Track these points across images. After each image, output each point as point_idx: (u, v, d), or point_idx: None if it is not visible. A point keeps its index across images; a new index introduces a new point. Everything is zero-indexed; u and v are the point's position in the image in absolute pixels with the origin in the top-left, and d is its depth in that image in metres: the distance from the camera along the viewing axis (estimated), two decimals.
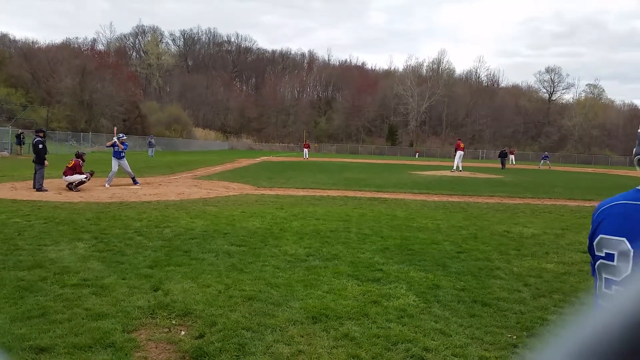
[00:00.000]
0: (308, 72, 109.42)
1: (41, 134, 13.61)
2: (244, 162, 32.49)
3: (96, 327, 3.78)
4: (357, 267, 5.81)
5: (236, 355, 3.45)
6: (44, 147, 13.17)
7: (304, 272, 5.53)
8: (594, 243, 1.53)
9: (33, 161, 13.17)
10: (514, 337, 3.92)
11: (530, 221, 9.94)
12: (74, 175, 12.78)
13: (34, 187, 12.56)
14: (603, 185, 22.24)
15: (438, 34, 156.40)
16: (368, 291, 4.91)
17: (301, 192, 13.97)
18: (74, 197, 11.39)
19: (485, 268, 5.97)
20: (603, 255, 1.49)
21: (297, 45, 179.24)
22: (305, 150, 47.40)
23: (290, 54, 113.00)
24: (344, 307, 4.40)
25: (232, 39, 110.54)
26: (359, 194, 13.92)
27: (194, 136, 76.80)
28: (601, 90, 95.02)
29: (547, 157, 46.79)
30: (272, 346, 3.58)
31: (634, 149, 1.53)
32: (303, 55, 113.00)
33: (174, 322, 3.97)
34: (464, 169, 27.56)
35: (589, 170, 46.24)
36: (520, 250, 7.07)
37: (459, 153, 26.87)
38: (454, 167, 26.27)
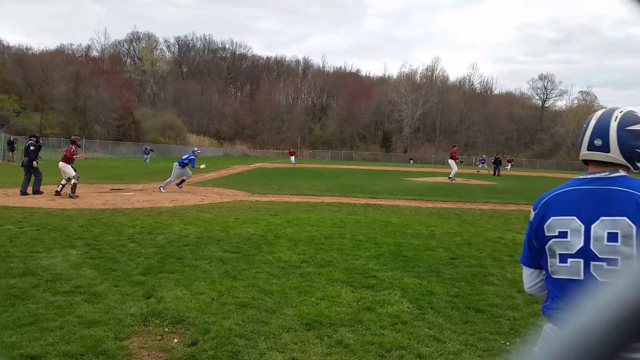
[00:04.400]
0: (303, 78, 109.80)
1: (34, 139, 13.84)
2: (239, 169, 32.46)
3: (88, 334, 3.75)
4: (351, 273, 5.80)
5: None
6: (35, 149, 13.37)
7: (298, 278, 5.52)
8: (545, 226, 1.78)
9: (22, 165, 13.36)
10: (508, 343, 3.93)
11: (524, 227, 9.95)
12: (66, 167, 12.78)
13: (32, 191, 12.78)
14: None
15: (433, 41, 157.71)
16: (362, 298, 4.91)
17: (295, 199, 13.96)
18: (66, 203, 11.32)
19: (479, 274, 5.98)
20: (556, 234, 1.75)
21: (292, 51, 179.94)
22: (292, 157, 46.36)
23: (285, 60, 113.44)
24: (337, 314, 4.39)
25: (227, 46, 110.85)
26: (353, 201, 13.93)
27: (188, 142, 76.63)
28: (594, 97, 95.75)
29: (484, 160, 46.48)
30: (265, 354, 3.56)
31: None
32: (298, 62, 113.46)
33: (166, 330, 3.95)
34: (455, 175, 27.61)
35: None
36: (513, 256, 7.09)
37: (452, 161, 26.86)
38: (452, 175, 26.24)
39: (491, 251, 7.43)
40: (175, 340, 3.77)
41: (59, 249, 6.58)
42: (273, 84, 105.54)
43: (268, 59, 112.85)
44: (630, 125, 1.72)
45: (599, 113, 1.84)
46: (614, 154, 1.73)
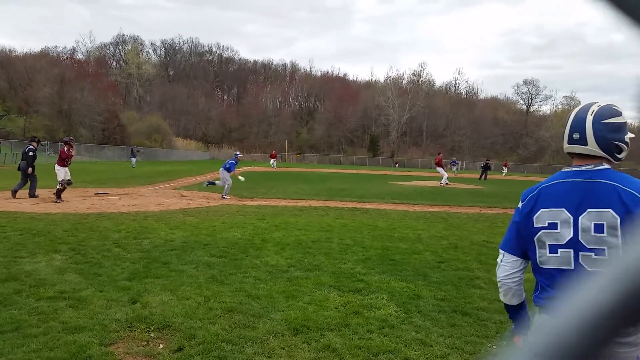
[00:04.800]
0: (290, 82, 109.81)
1: (34, 144, 13.80)
2: None
3: (72, 340, 3.70)
4: (338, 277, 5.80)
5: None
6: (34, 155, 13.37)
7: (286, 283, 5.51)
8: (535, 217, 1.85)
9: (18, 169, 13.43)
10: (494, 346, 3.96)
11: None
12: (58, 171, 12.71)
13: (28, 196, 12.76)
14: None
15: (420, 45, 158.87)
16: (349, 302, 4.91)
17: (283, 203, 13.94)
18: (51, 208, 11.17)
19: (466, 277, 6.03)
20: (546, 225, 1.82)
21: (279, 55, 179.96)
22: (272, 160, 45.20)
23: (272, 64, 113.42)
24: (325, 318, 4.39)
25: (214, 49, 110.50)
26: (340, 205, 13.95)
27: (174, 146, 76.18)
28: (578, 102, 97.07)
29: (455, 162, 46.73)
30: (252, 359, 3.54)
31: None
32: (285, 65, 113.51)
33: (152, 335, 3.91)
34: (438, 179, 27.74)
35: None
36: None
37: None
38: (445, 180, 26.19)
39: (477, 254, 7.49)
40: (161, 345, 3.73)
41: (43, 253, 6.48)
42: (260, 88, 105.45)
43: (255, 62, 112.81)
44: (606, 119, 1.80)
45: (577, 108, 1.93)
46: (591, 147, 1.80)
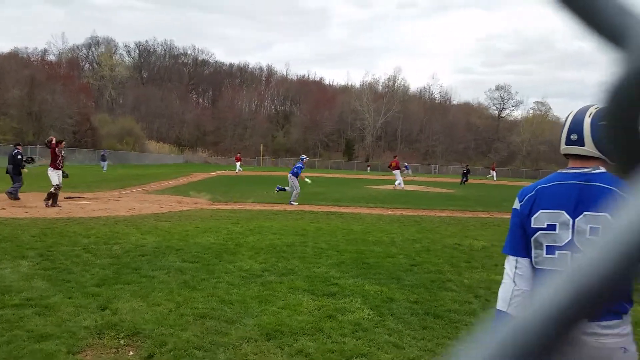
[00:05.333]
0: (266, 86, 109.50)
1: (19, 147, 14.39)
2: (199, 176, 31.99)
3: (39, 349, 3.60)
4: (312, 281, 5.81)
5: None
6: (22, 157, 13.77)
7: (259, 287, 5.48)
8: (533, 218, 1.85)
9: (6, 172, 13.66)
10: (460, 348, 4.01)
11: (481, 234, 10.24)
12: (50, 173, 12.50)
13: (11, 195, 12.81)
14: None
15: (395, 51, 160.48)
16: (323, 306, 4.91)
17: (257, 207, 13.87)
18: (18, 212, 10.86)
19: (438, 280, 6.10)
20: (544, 226, 1.81)
21: (255, 58, 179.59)
22: (238, 164, 42.18)
23: (248, 67, 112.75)
24: (299, 323, 4.38)
25: (189, 52, 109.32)
26: (315, 208, 13.96)
27: (147, 149, 75.00)
28: (548, 107, 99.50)
29: (408, 167, 46.56)
30: None
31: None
32: (261, 69, 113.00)
33: (122, 343, 3.84)
34: (410, 183, 28.03)
35: None
36: (470, 262, 7.27)
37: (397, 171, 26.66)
38: (399, 183, 26.13)
39: (449, 257, 7.59)
40: (131, 353, 3.67)
41: (9, 259, 6.30)
42: (236, 91, 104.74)
43: (231, 65, 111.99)
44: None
45: (575, 110, 1.94)
46: (589, 147, 1.82)
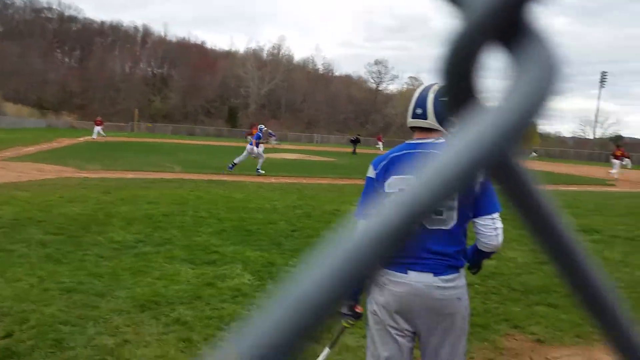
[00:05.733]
0: (142, 46, 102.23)
1: None
2: (65, 142, 29.24)
3: None
4: (192, 250, 5.66)
5: (51, 352, 3.12)
6: None
7: (133, 259, 5.21)
8: (386, 183, 2.10)
9: None
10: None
11: (357, 199, 10.74)
12: None
13: None
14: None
15: (280, 20, 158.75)
16: (202, 274, 4.83)
17: (130, 175, 13.07)
18: None
19: (316, 244, 6.30)
20: (397, 190, 2.01)
21: (129, 16, 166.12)
22: (97, 128, 37.00)
23: (122, 26, 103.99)
24: (176, 292, 4.26)
25: (54, 6, 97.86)
26: (196, 177, 13.55)
27: (2, 112, 66.52)
28: (421, 82, 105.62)
29: (273, 134, 44.61)
30: (94, 339, 3.31)
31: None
32: (136, 28, 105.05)
33: None
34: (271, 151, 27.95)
35: None
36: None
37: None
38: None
39: (327, 222, 7.87)
40: None
41: None
42: (107, 51, 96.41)
43: (102, 23, 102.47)
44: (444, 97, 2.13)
45: (422, 87, 2.21)
46: (431, 120, 2.08)
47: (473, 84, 0.23)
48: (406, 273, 2.00)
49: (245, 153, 15.73)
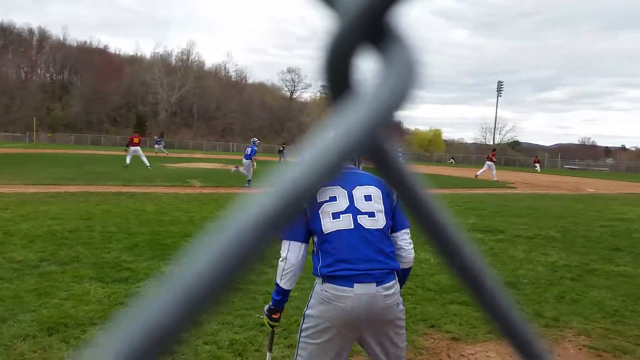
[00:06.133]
0: (38, 51, 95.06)
1: None
2: None
3: None
4: (101, 268, 5.40)
5: None
6: None
7: (37, 279, 4.87)
8: (317, 194, 2.27)
9: None
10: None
11: None
12: None
13: None
14: None
15: (188, 24, 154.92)
16: (114, 293, 4.63)
17: (31, 189, 12.14)
18: None
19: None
20: (327, 199, 2.22)
21: (23, 18, 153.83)
22: None
23: (14, 28, 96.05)
24: (86, 313, 4.05)
25: None
26: (102, 189, 12.86)
27: None
28: None
29: (160, 141, 44.69)
30: None
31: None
32: (32, 31, 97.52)
33: None
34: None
35: None
36: None
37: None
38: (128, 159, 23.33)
39: None
40: None
41: None
42: None
43: None
44: None
45: None
46: None
47: (348, 78, 0.28)
48: (352, 287, 2.13)
49: (246, 166, 16.41)
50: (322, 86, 0.29)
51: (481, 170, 26.88)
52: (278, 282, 2.35)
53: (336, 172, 0.25)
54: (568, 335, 4.22)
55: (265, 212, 0.22)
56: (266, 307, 2.53)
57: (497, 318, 0.39)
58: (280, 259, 2.34)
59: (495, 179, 25.57)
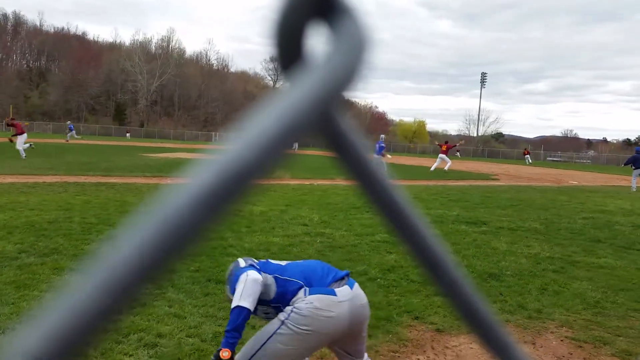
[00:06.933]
0: (14, 37, 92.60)
1: None
2: None
3: None
4: (81, 259, 5.30)
5: None
6: None
7: (16, 271, 4.77)
8: None
9: None
10: None
11: (259, 199, 10.72)
12: None
13: None
14: (315, 166, 25.55)
15: (169, 11, 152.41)
16: None
17: (9, 179, 11.86)
18: None
19: (219, 247, 6.21)
20: None
21: None
22: None
23: None
24: None
25: None
26: (82, 179, 12.63)
27: None
28: None
29: (72, 127, 43.11)
30: None
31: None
32: (6, 16, 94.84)
33: None
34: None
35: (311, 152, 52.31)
36: (250, 227, 7.58)
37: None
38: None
39: (230, 223, 7.76)
40: None
41: None
42: None
43: None
44: None
45: None
46: None
47: (298, 50, 0.27)
48: (335, 295, 2.32)
49: None
50: (271, 57, 0.27)
51: (434, 165, 25.41)
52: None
53: (283, 147, 0.23)
54: (550, 327, 4.28)
55: (200, 191, 0.21)
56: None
57: (459, 304, 0.39)
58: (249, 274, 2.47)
59: (446, 169, 24.49)
